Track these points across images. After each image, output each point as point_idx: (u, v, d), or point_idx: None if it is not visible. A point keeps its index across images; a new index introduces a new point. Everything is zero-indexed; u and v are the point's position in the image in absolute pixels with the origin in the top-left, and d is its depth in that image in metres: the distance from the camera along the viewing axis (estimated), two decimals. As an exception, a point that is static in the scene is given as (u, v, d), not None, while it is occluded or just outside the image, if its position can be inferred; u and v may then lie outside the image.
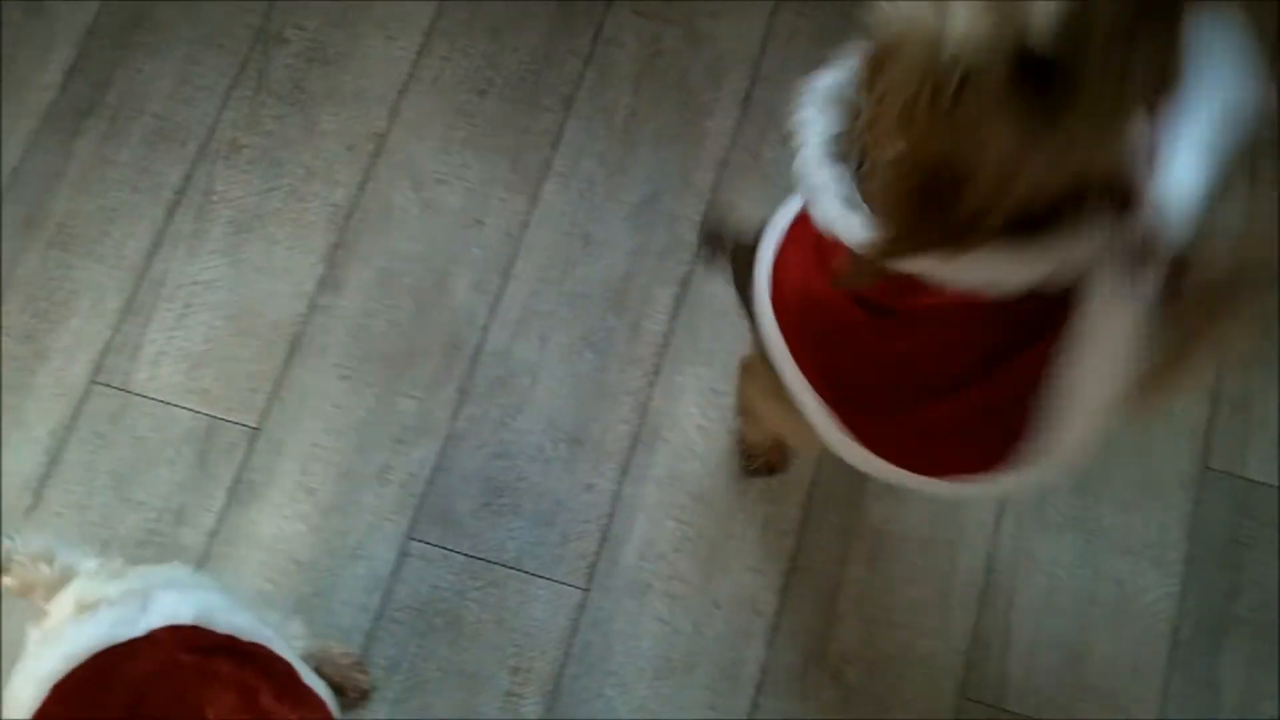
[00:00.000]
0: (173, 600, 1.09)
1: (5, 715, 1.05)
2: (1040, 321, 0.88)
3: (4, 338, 1.67)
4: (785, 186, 1.79)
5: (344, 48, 1.83)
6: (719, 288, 1.72)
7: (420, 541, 1.61)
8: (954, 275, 0.83)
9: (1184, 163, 0.75)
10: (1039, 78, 0.66)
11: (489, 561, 1.60)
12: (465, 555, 1.60)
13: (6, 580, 1.13)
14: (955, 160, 0.72)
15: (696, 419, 1.67)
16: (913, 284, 0.86)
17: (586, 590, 1.59)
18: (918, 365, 0.98)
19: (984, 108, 0.68)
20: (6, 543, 1.13)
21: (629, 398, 1.68)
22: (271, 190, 1.76)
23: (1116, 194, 0.78)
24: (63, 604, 1.10)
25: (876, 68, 0.73)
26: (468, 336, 1.70)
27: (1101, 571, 1.61)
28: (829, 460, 1.51)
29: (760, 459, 1.62)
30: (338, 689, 1.35)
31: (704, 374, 1.69)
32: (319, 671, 1.18)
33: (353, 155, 1.78)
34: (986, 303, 0.85)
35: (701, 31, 1.85)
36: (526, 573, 1.60)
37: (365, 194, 1.76)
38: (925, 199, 0.75)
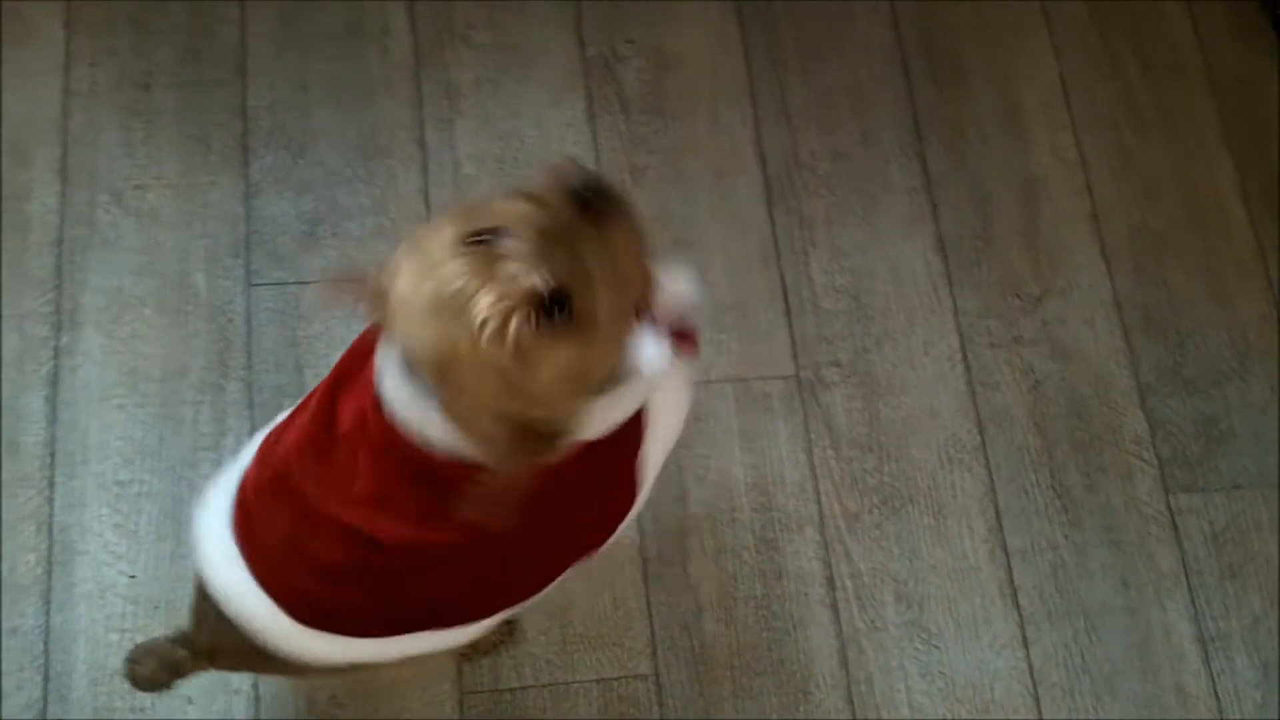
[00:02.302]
0: None
1: None
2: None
3: None
4: (132, 248, 1.69)
5: None
6: (93, 373, 1.60)
7: None
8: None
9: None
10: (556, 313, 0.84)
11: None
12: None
13: None
14: (526, 398, 0.88)
15: (110, 519, 1.55)
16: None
17: (41, 743, 1.46)
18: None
19: (527, 347, 0.84)
20: None
21: (27, 523, 1.53)
22: None
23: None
24: None
25: (441, 375, 0.88)
26: None
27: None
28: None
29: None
30: None
31: (104, 469, 1.57)
32: None
33: None
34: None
35: (-13, 112, 1.71)
36: (-32, 755, 1.44)
37: None
38: (516, 433, 0.90)
